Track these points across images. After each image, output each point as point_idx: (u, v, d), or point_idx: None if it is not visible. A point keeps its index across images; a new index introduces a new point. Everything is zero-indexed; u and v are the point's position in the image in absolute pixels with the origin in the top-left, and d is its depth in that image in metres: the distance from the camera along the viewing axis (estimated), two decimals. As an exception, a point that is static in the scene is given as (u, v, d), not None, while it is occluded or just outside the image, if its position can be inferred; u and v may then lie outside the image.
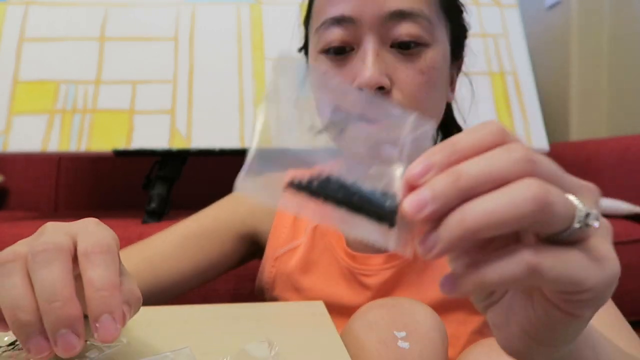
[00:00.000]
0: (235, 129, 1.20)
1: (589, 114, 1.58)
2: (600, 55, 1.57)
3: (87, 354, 0.35)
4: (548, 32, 1.70)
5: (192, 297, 0.92)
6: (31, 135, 1.13)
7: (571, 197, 0.23)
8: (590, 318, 0.24)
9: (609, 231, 0.24)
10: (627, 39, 1.49)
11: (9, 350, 0.36)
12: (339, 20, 0.52)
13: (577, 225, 0.22)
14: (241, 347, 0.35)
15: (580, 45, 1.58)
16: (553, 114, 1.64)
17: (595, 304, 0.23)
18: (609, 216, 1.06)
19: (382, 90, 0.52)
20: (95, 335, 0.28)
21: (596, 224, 0.22)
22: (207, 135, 1.18)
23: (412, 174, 0.22)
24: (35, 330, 0.27)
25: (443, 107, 0.58)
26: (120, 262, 0.32)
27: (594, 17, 1.57)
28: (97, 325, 0.28)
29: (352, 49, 0.53)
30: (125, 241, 0.86)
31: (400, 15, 0.51)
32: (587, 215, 0.22)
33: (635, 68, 1.45)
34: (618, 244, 1.10)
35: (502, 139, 0.23)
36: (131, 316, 0.31)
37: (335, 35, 0.53)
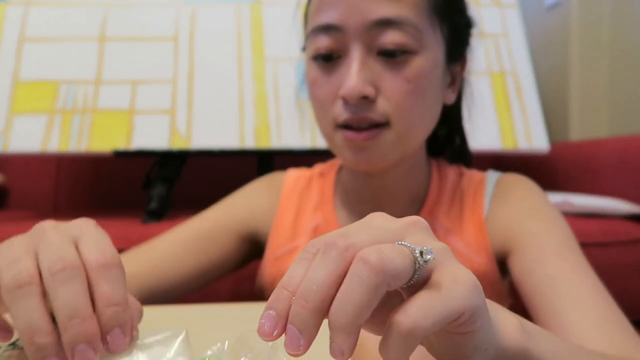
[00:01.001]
0: (235, 129, 1.20)
1: (589, 114, 1.58)
2: (600, 55, 1.57)
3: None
4: (548, 32, 1.70)
5: (192, 297, 0.92)
6: (31, 135, 1.13)
7: (401, 244, 0.24)
8: (484, 325, 0.25)
9: (447, 251, 0.25)
10: (627, 39, 1.49)
11: (9, 350, 0.36)
12: (326, 29, 0.53)
13: (418, 265, 0.23)
14: (237, 337, 0.35)
15: (580, 45, 1.58)
16: (553, 114, 1.64)
17: (479, 314, 0.24)
18: (609, 216, 1.06)
19: (366, 99, 0.52)
20: (106, 347, 0.29)
21: (430, 257, 0.23)
22: (207, 135, 1.18)
23: (264, 332, 0.23)
24: (52, 352, 0.28)
25: (435, 113, 0.57)
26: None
27: (594, 17, 1.57)
28: (109, 338, 0.29)
29: (340, 57, 0.53)
30: (125, 241, 0.86)
31: (386, 23, 0.51)
32: (421, 253, 0.23)
33: (635, 68, 1.45)
34: (618, 244, 1.10)
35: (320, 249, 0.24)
36: (135, 327, 0.32)
37: (323, 42, 0.53)
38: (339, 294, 0.22)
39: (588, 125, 1.58)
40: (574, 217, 1.07)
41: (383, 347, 0.23)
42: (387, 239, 0.24)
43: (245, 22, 1.32)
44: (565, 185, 1.37)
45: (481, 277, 0.57)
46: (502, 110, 1.32)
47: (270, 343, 0.33)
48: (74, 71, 1.21)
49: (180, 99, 1.21)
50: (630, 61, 1.48)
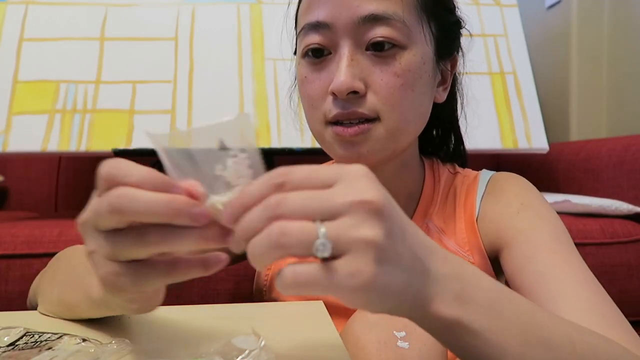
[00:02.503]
0: (235, 129, 1.20)
1: (589, 114, 1.58)
2: (600, 55, 1.57)
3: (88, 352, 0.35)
4: (548, 32, 1.70)
5: (192, 297, 0.93)
6: (31, 135, 1.13)
7: (317, 228, 0.26)
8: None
9: (368, 246, 0.27)
10: (627, 39, 1.49)
11: (9, 350, 0.36)
12: (316, 26, 0.53)
13: (316, 254, 0.26)
14: (228, 340, 0.35)
15: (580, 46, 1.58)
16: (553, 114, 1.64)
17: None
18: (609, 216, 1.06)
19: (356, 94, 0.52)
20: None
21: (321, 255, 0.26)
22: (207, 135, 1.18)
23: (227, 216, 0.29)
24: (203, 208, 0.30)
25: (426, 109, 0.58)
26: None
27: (594, 17, 1.57)
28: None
29: (330, 53, 0.54)
30: (125, 241, 0.86)
31: (374, 19, 0.52)
32: (317, 250, 0.26)
33: (635, 68, 1.45)
34: (618, 244, 1.10)
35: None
36: None
37: (313, 40, 0.54)
38: (251, 242, 0.27)
39: (588, 125, 1.58)
40: (574, 217, 1.07)
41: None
42: (315, 213, 0.27)
43: (246, 22, 1.32)
44: (565, 185, 1.37)
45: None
46: (502, 110, 1.32)
47: (262, 343, 0.33)
48: (74, 71, 1.21)
49: (180, 99, 1.21)
50: (630, 61, 1.48)
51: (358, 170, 0.28)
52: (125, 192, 0.29)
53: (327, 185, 0.28)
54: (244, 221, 0.28)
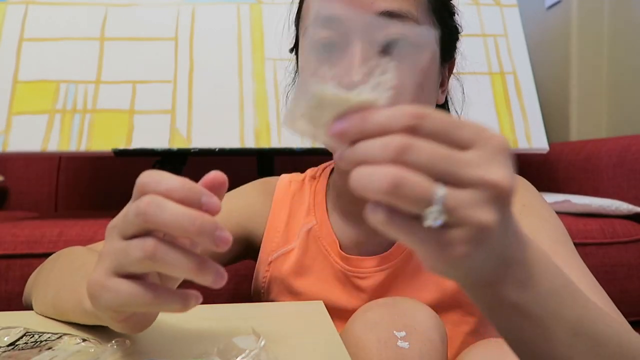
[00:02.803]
0: (235, 129, 1.20)
1: (589, 114, 1.58)
2: (600, 55, 1.57)
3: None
4: (548, 32, 1.70)
5: (192, 297, 0.92)
6: (31, 135, 1.13)
7: (436, 191, 0.25)
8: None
9: (479, 229, 0.25)
10: (627, 39, 1.49)
11: (9, 350, 0.36)
12: (328, 20, 0.52)
13: (426, 220, 0.25)
14: (228, 340, 0.35)
15: (580, 46, 1.58)
16: (553, 114, 1.64)
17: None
18: (609, 216, 1.06)
19: None
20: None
21: (432, 223, 0.25)
22: (207, 135, 1.18)
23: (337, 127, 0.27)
24: (215, 223, 0.30)
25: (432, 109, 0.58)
26: None
27: (594, 17, 1.57)
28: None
29: (340, 49, 0.53)
30: (125, 241, 0.86)
31: (389, 16, 0.51)
32: (431, 215, 0.25)
33: (635, 68, 1.45)
34: (618, 244, 1.10)
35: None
36: None
37: (324, 35, 0.52)
38: (362, 169, 0.26)
39: (588, 125, 1.58)
40: (574, 217, 1.07)
41: None
42: (440, 175, 0.25)
43: (245, 22, 1.32)
44: (565, 185, 1.37)
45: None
46: (502, 110, 1.32)
47: (262, 343, 0.33)
48: (74, 71, 1.21)
49: (180, 99, 1.21)
50: (630, 61, 1.48)
51: (499, 142, 0.26)
52: (154, 200, 0.30)
53: (461, 146, 0.26)
54: (363, 147, 0.26)
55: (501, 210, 0.26)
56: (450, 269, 0.27)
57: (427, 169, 0.25)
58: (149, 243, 0.30)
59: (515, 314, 0.30)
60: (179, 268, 0.30)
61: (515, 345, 0.32)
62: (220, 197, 0.32)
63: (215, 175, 0.32)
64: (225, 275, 0.30)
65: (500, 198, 0.25)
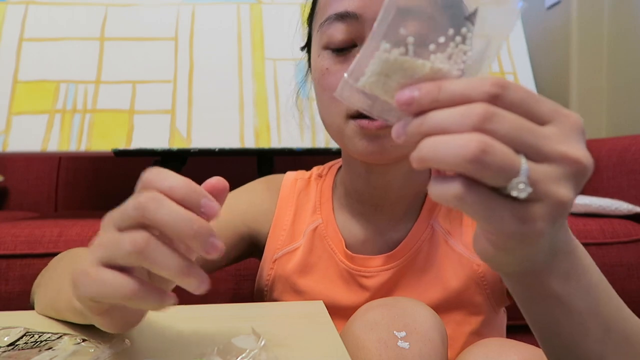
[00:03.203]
0: (235, 129, 1.20)
1: (589, 114, 1.58)
2: (600, 55, 1.57)
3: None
4: (548, 32, 1.70)
5: (192, 297, 0.92)
6: (31, 135, 1.13)
7: (520, 161, 0.24)
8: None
9: (558, 204, 0.25)
10: (627, 39, 1.49)
11: (9, 350, 0.36)
12: (343, 16, 0.52)
13: (511, 192, 0.24)
14: (228, 340, 0.35)
15: (580, 46, 1.58)
16: (553, 114, 1.64)
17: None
18: (609, 216, 1.06)
19: None
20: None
21: (518, 194, 0.24)
22: (207, 135, 1.18)
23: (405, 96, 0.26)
24: (211, 229, 0.30)
25: None
26: None
27: (594, 17, 1.57)
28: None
29: (355, 46, 0.53)
30: (125, 241, 0.86)
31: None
32: (518, 186, 0.24)
33: (635, 68, 1.45)
34: (618, 244, 1.09)
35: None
36: None
37: (339, 31, 0.52)
38: (437, 139, 0.25)
39: (588, 125, 1.58)
40: (574, 217, 1.07)
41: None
42: (523, 147, 0.24)
43: (245, 22, 1.32)
44: (565, 185, 1.37)
45: (481, 278, 0.58)
46: (502, 110, 1.32)
47: (262, 343, 0.33)
48: (74, 71, 1.21)
49: (180, 98, 1.21)
50: (630, 61, 1.48)
51: (577, 120, 0.26)
52: (155, 196, 0.30)
53: (541, 120, 0.26)
54: (438, 115, 0.25)
55: (578, 188, 0.25)
56: (516, 248, 0.26)
57: (510, 140, 0.24)
58: (140, 237, 0.29)
59: (557, 306, 0.30)
60: (165, 268, 0.29)
61: (548, 338, 0.32)
62: (221, 202, 0.32)
63: (217, 181, 0.32)
64: (209, 283, 0.30)
65: (579, 175, 0.25)
